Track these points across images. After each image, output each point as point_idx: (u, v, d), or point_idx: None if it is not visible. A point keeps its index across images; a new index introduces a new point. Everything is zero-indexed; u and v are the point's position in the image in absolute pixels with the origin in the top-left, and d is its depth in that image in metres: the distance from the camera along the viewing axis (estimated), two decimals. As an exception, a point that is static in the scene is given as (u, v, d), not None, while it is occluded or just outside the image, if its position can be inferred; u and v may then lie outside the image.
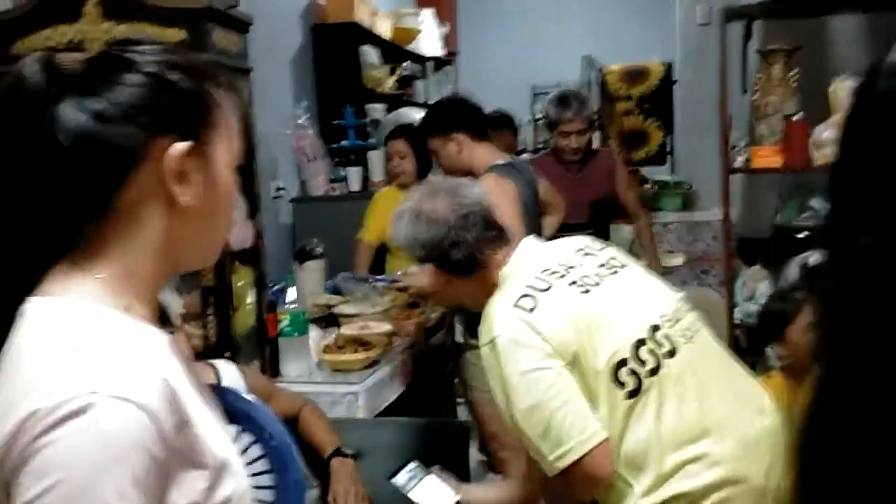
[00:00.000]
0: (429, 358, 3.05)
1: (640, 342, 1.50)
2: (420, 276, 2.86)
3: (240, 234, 2.53)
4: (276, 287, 2.85)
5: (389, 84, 4.52)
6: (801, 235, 3.02)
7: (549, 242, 1.77)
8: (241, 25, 2.44)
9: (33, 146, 0.78)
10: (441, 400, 3.24)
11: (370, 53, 4.31)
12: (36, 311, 0.78)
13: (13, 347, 0.76)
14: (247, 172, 2.68)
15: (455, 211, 1.71)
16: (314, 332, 2.72)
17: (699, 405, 1.49)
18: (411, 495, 1.72)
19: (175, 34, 2.31)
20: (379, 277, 3.17)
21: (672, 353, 1.51)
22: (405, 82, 4.81)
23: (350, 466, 1.86)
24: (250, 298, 2.53)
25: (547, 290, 1.55)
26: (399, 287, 2.91)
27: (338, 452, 1.86)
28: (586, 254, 1.67)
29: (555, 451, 1.42)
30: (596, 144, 4.41)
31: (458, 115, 2.69)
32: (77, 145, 0.77)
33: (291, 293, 2.59)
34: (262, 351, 2.49)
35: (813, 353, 0.66)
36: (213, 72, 0.89)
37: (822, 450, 0.61)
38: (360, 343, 2.63)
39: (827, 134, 2.82)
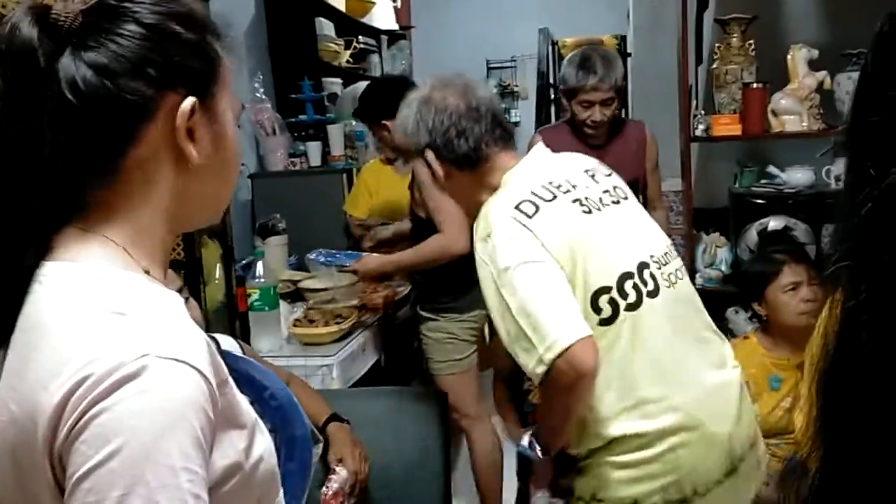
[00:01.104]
0: (397, 331, 3.05)
1: (628, 275, 1.50)
2: (369, 260, 2.89)
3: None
4: (241, 262, 2.82)
5: (345, 58, 4.47)
6: (759, 201, 3.09)
7: (560, 156, 1.72)
8: (203, -7, 2.38)
9: (36, 102, 0.73)
10: (411, 371, 3.26)
11: (325, 26, 4.25)
12: (59, 276, 0.75)
13: (39, 314, 0.73)
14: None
15: (465, 101, 1.65)
16: (282, 308, 2.70)
17: (668, 348, 1.51)
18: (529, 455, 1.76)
19: None
20: (334, 259, 3.12)
21: (654, 294, 1.52)
22: (360, 56, 4.76)
23: (347, 431, 1.87)
24: (218, 273, 2.49)
25: (551, 200, 1.53)
26: (349, 269, 2.88)
27: (333, 418, 1.87)
28: (593, 176, 1.65)
29: (544, 342, 1.37)
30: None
31: (386, 102, 2.71)
32: (83, 101, 0.73)
33: (260, 268, 2.56)
34: (233, 325, 2.46)
35: (836, 285, 0.67)
36: (212, 22, 0.85)
37: (849, 382, 0.63)
38: (330, 316, 2.62)
39: (784, 101, 2.89)
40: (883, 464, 0.57)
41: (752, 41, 3.02)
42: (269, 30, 4.07)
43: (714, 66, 3.08)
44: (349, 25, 4.64)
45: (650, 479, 1.48)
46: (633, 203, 1.67)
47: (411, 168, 2.66)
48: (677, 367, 1.51)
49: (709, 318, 1.66)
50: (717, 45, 3.10)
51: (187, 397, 0.69)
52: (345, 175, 3.69)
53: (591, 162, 1.71)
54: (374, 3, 5.01)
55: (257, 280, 2.51)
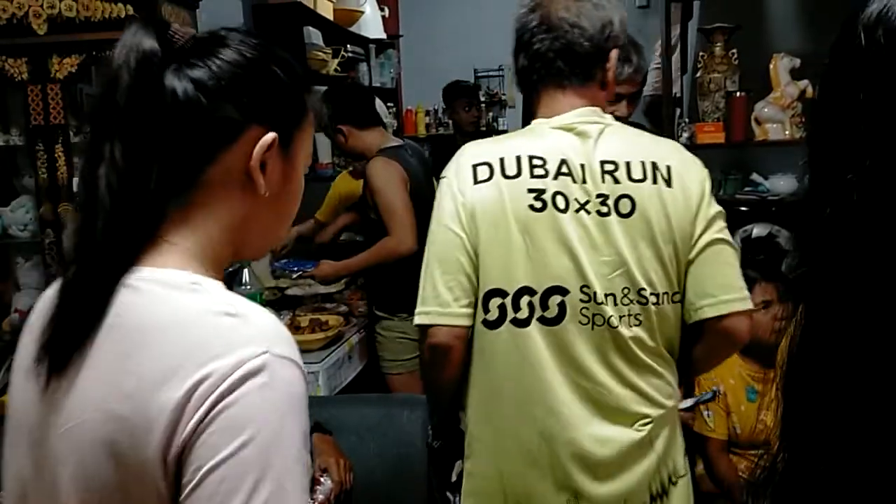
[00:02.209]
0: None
1: (528, 290, 1.38)
2: (325, 266, 2.95)
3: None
4: (228, 269, 2.82)
5: (333, 67, 4.48)
6: (743, 208, 3.12)
7: (610, 130, 1.43)
8: (189, 1, 2.39)
9: (141, 107, 0.80)
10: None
11: (313, 35, 4.26)
12: (155, 281, 0.79)
13: (141, 316, 0.77)
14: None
15: (550, 13, 1.42)
16: (268, 315, 2.70)
17: (533, 381, 1.40)
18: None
19: (121, 9, 2.25)
20: (293, 266, 3.20)
21: (553, 322, 1.38)
22: (349, 65, 4.78)
23: (331, 441, 1.87)
24: (204, 280, 2.49)
25: (511, 177, 1.39)
26: (308, 275, 3.06)
27: (316, 428, 1.87)
28: (612, 172, 1.39)
29: (422, 305, 1.42)
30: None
31: (339, 111, 2.90)
32: (178, 111, 0.80)
33: (246, 275, 2.56)
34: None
35: (796, 294, 0.69)
36: (307, 78, 0.92)
37: (811, 387, 0.64)
38: (317, 323, 2.63)
39: (767, 110, 2.92)
40: (843, 458, 0.59)
41: (735, 50, 3.05)
42: (256, 38, 4.08)
43: (698, 74, 3.11)
44: (337, 34, 4.66)
45: (475, 497, 1.48)
46: (628, 224, 1.37)
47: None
48: (540, 400, 1.41)
49: (630, 376, 1.42)
50: (700, 54, 3.13)
51: (299, 394, 0.75)
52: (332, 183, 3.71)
53: (640, 155, 1.40)
54: (362, 13, 5.02)
55: (243, 287, 2.51)
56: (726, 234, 1.44)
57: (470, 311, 1.41)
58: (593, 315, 1.38)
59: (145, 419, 0.72)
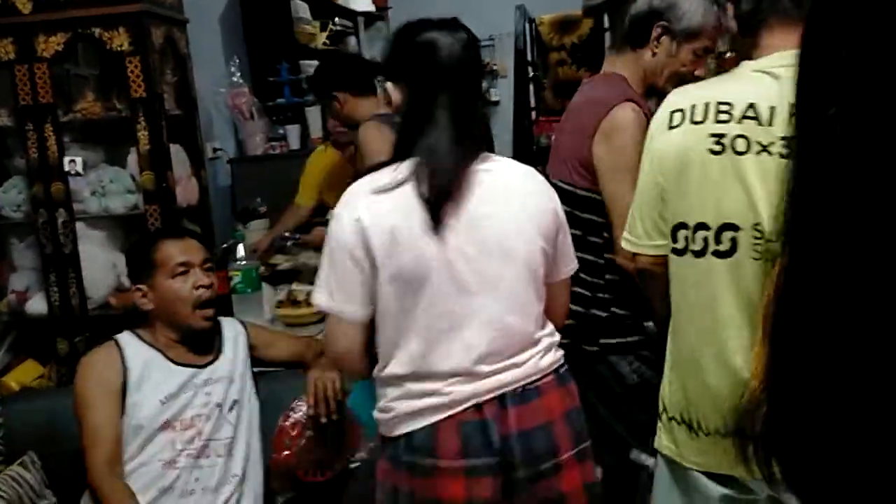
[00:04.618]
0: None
1: (703, 226, 1.45)
2: (319, 232, 2.92)
3: (185, 190, 2.49)
4: (223, 245, 2.82)
5: (321, 40, 4.45)
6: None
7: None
8: (174, -23, 2.37)
9: (470, 69, 1.52)
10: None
11: (300, 8, 4.23)
12: (495, 161, 1.53)
13: (507, 180, 1.51)
14: (188, 128, 2.64)
15: None
16: (264, 290, 2.71)
17: (707, 310, 1.47)
18: None
19: (106, -14, 2.23)
20: (293, 236, 3.21)
21: (726, 255, 1.44)
22: (337, 38, 4.75)
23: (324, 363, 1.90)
24: (199, 257, 2.49)
25: (696, 123, 1.44)
26: (303, 241, 3.06)
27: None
28: (767, 118, 1.37)
29: (627, 233, 1.60)
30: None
31: (337, 77, 2.84)
32: (479, 68, 1.58)
33: (241, 250, 2.57)
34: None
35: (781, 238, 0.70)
36: None
37: (795, 332, 0.65)
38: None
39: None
40: (828, 402, 0.60)
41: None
42: (243, 14, 4.05)
43: (688, 38, 3.09)
44: (325, 7, 4.62)
45: (667, 405, 1.56)
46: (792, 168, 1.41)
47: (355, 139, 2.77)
48: (714, 329, 1.46)
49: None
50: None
51: None
52: (325, 157, 3.69)
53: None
54: (349, -15, 4.99)
55: (238, 262, 2.52)
56: None
57: (661, 242, 1.54)
58: (765, 251, 1.39)
59: (537, 226, 1.49)
